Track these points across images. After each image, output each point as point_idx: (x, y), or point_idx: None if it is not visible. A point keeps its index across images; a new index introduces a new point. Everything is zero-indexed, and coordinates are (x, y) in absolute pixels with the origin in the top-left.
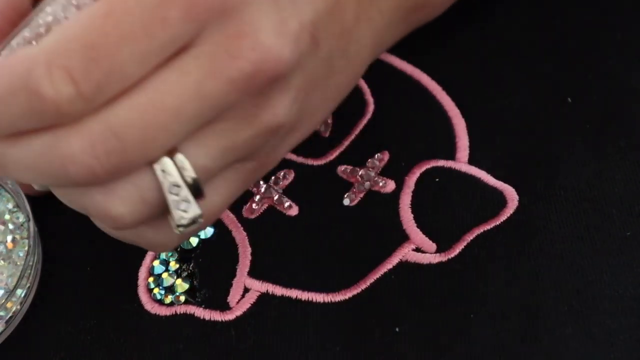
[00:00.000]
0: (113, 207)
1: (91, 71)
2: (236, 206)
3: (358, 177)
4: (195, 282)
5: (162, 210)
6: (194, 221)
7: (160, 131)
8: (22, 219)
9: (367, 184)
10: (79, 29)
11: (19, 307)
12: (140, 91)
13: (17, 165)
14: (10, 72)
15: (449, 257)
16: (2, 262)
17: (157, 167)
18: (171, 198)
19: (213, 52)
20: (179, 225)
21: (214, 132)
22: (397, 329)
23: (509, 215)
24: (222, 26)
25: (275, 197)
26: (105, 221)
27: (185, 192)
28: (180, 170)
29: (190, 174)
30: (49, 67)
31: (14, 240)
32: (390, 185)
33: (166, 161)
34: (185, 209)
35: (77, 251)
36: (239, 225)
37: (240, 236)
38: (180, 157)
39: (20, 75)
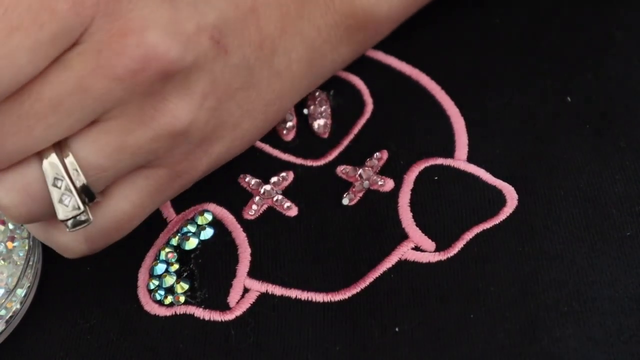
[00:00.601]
0: (2, 196)
1: None
2: (236, 207)
3: (357, 176)
4: (195, 282)
5: (50, 207)
6: (78, 218)
7: (37, 121)
8: None
9: (366, 183)
10: None
11: (19, 306)
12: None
13: None
14: None
15: (448, 256)
16: (2, 262)
17: (44, 161)
18: (54, 191)
19: (98, 49)
20: (63, 221)
21: (104, 129)
22: (396, 329)
23: (508, 214)
24: (109, 23)
25: (275, 198)
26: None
27: (69, 186)
28: (67, 165)
29: (78, 169)
30: None
31: (14, 240)
32: (389, 184)
33: (52, 155)
34: (68, 204)
35: None
36: (239, 226)
37: (240, 237)
38: (66, 151)
39: None
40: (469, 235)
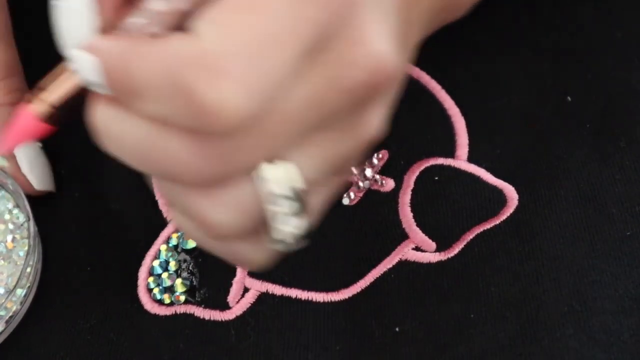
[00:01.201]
0: (211, 213)
1: (254, 75)
2: None
3: (357, 176)
4: (195, 281)
5: (261, 224)
6: (296, 236)
7: (273, 137)
8: (22, 219)
9: (367, 183)
10: (232, 24)
11: (19, 306)
12: None
13: (113, 139)
14: (164, 63)
15: (449, 256)
16: (2, 261)
17: (261, 175)
18: (271, 207)
19: (332, 59)
20: (280, 240)
21: (318, 142)
22: (397, 329)
23: (508, 214)
24: (341, 31)
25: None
26: (204, 228)
27: (291, 204)
28: (287, 180)
29: (294, 183)
30: (209, 70)
31: (14, 240)
32: (390, 184)
33: (271, 169)
34: (286, 222)
35: (77, 251)
36: None
37: None
38: (284, 165)
39: (173, 71)
40: (469, 236)
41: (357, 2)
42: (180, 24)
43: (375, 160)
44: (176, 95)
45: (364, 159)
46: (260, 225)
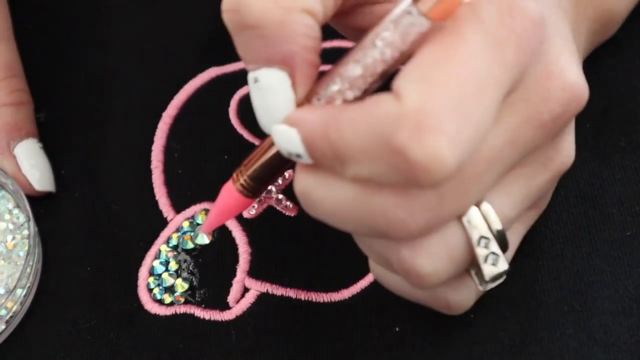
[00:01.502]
0: (420, 264)
1: (463, 128)
2: None
3: None
4: (195, 282)
5: (464, 268)
6: (500, 276)
7: (474, 182)
8: (22, 219)
9: None
10: (436, 79)
11: (19, 306)
12: None
13: (321, 204)
14: (371, 127)
15: None
16: (2, 262)
17: (465, 220)
18: (480, 250)
19: (527, 97)
20: (487, 281)
21: (517, 178)
22: (397, 329)
23: None
24: (534, 67)
25: (275, 197)
26: (409, 278)
27: (494, 245)
28: (487, 221)
29: (497, 225)
30: (419, 129)
31: (14, 240)
32: None
33: (474, 213)
34: (494, 262)
35: (77, 251)
36: (239, 225)
37: (240, 236)
38: (486, 207)
39: (382, 133)
40: None
41: (547, 36)
42: (373, 87)
43: None
44: (386, 155)
45: None
46: (463, 269)
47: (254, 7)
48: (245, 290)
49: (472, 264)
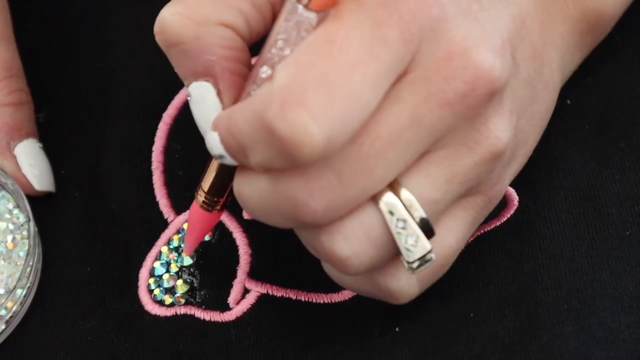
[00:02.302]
0: (338, 248)
1: (329, 103)
2: (236, 208)
3: None
4: (195, 283)
5: (391, 252)
6: (424, 258)
7: (377, 161)
8: (22, 219)
9: None
10: (305, 60)
11: (18, 307)
12: None
13: (248, 200)
14: (252, 110)
15: None
16: (2, 262)
17: (381, 202)
18: (398, 233)
19: (426, 75)
20: (408, 263)
21: (435, 160)
22: (397, 329)
23: (509, 215)
24: (433, 47)
25: None
26: (334, 264)
27: (412, 226)
28: (405, 203)
29: (416, 206)
30: (283, 105)
31: (14, 240)
32: None
33: (389, 195)
34: (414, 244)
35: (77, 251)
36: (239, 226)
37: (241, 237)
38: (403, 190)
39: (257, 113)
40: (470, 237)
41: (445, 18)
42: None
43: None
44: (264, 136)
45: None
46: (390, 253)
47: (172, 25)
48: (246, 291)
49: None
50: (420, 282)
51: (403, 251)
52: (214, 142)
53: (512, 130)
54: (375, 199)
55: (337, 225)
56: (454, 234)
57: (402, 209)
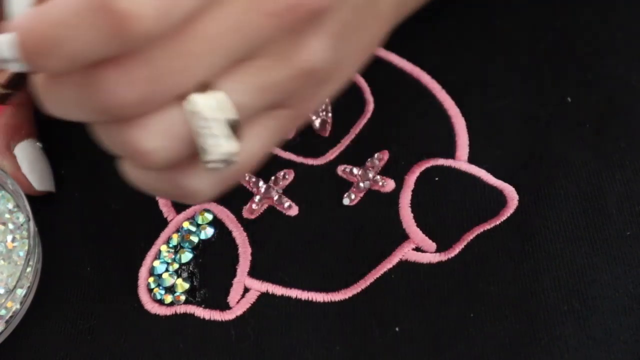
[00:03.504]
0: (144, 140)
1: None
2: (236, 206)
3: (358, 176)
4: (195, 282)
5: (193, 150)
6: (225, 160)
7: (193, 60)
8: (22, 219)
9: (367, 183)
10: None
11: (18, 306)
12: None
13: (57, 101)
14: None
15: (449, 256)
16: (2, 261)
17: (191, 100)
18: (203, 131)
19: None
20: (206, 162)
21: (250, 69)
22: (397, 329)
23: (509, 214)
24: None
25: (275, 197)
26: (136, 158)
27: (215, 126)
28: (213, 104)
29: (224, 108)
30: None
31: (14, 240)
32: (390, 185)
33: (197, 95)
34: (215, 143)
35: (77, 251)
36: (239, 225)
37: (241, 236)
38: (215, 91)
39: None
40: (469, 236)
41: None
42: None
43: (376, 161)
44: (92, 16)
45: (316, 99)
46: (195, 154)
47: None
48: (246, 290)
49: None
50: (219, 184)
51: (204, 149)
52: (4, 44)
53: (332, 52)
54: (184, 96)
55: (144, 119)
56: (259, 141)
57: (207, 109)
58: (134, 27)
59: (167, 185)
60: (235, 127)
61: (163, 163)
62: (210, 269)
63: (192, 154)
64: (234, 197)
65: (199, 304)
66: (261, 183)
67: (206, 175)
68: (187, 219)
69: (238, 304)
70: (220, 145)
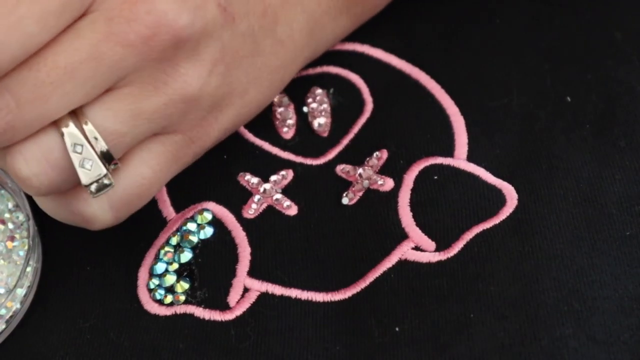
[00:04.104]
0: (19, 168)
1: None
2: (236, 206)
3: (357, 176)
4: (195, 282)
5: (75, 177)
6: (101, 182)
7: (54, 89)
8: (22, 218)
9: (366, 182)
10: None
11: (19, 306)
12: (36, 53)
13: None
14: None
15: (448, 255)
16: (2, 261)
17: (62, 128)
18: (75, 157)
19: (109, 16)
20: (86, 185)
21: (120, 96)
22: (397, 329)
23: (508, 214)
24: None
25: (275, 197)
26: (18, 184)
27: (89, 151)
28: (86, 131)
29: (96, 134)
30: None
31: (14, 239)
32: (389, 184)
33: (69, 122)
34: (90, 167)
35: (77, 251)
36: (239, 225)
37: (240, 236)
38: (85, 119)
39: None
40: (469, 235)
41: None
42: None
43: (374, 160)
44: None
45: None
46: (71, 177)
47: None
48: (245, 290)
49: None
50: (114, 209)
51: (80, 173)
52: None
53: (215, 78)
54: (57, 125)
55: (18, 146)
56: (148, 166)
57: (80, 135)
58: None
59: (65, 210)
60: (105, 149)
61: (44, 189)
62: (209, 269)
63: (75, 180)
64: (234, 197)
65: (198, 304)
66: (260, 183)
67: (97, 201)
68: (187, 219)
69: (238, 304)
70: (95, 167)
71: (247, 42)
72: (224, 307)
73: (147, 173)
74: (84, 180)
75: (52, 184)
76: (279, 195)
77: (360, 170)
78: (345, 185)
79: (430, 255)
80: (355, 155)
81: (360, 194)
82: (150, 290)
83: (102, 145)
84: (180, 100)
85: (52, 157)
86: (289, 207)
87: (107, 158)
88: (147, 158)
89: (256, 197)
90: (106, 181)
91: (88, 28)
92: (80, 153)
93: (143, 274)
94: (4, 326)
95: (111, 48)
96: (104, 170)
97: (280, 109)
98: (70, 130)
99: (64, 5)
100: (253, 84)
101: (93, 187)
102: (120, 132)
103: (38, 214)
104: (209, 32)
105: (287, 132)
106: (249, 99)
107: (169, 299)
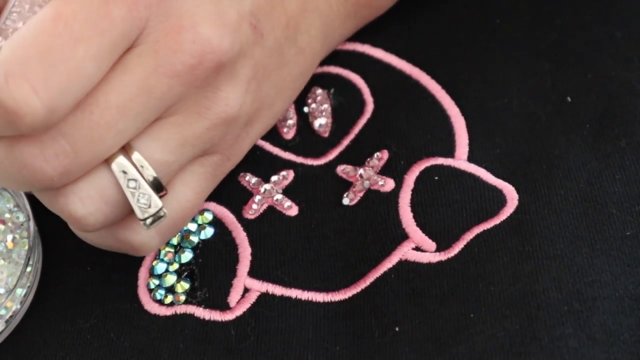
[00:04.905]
0: (74, 208)
1: (50, 76)
2: (236, 206)
3: (357, 176)
4: (195, 282)
5: (127, 209)
6: (157, 214)
7: (108, 129)
8: (22, 218)
9: (367, 182)
10: (31, 34)
11: (18, 306)
12: (88, 94)
13: None
14: None
15: (449, 256)
16: (2, 261)
17: (113, 165)
18: (130, 193)
19: (155, 49)
20: (142, 220)
21: (166, 126)
22: (397, 329)
23: (508, 214)
24: (163, 23)
25: (275, 197)
26: (73, 224)
27: (143, 186)
28: (136, 165)
29: (147, 166)
30: (6, 77)
31: (14, 239)
32: (390, 184)
33: (121, 158)
34: (146, 202)
35: (77, 251)
36: (239, 225)
37: (240, 236)
38: (135, 152)
39: None
40: (469, 236)
41: None
42: None
43: (375, 161)
44: None
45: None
46: (126, 210)
47: None
48: (246, 290)
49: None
50: (160, 235)
51: (136, 209)
52: None
53: (250, 96)
54: (108, 161)
55: (72, 187)
56: (191, 189)
57: (133, 170)
58: (26, 121)
59: (112, 241)
60: (158, 181)
61: (99, 226)
62: (210, 269)
63: (127, 212)
64: (234, 197)
65: (199, 304)
66: (261, 183)
67: (145, 229)
68: None
69: (238, 304)
70: (152, 202)
71: (274, 55)
72: (224, 307)
73: (191, 196)
74: (140, 215)
75: (107, 220)
76: (279, 196)
77: (360, 171)
78: (346, 185)
79: (430, 255)
80: (356, 155)
81: (361, 194)
82: (151, 291)
83: (152, 177)
84: (222, 122)
85: (106, 193)
86: (289, 207)
87: (157, 188)
88: (189, 181)
89: (257, 198)
90: (161, 214)
91: (136, 62)
92: (135, 188)
93: (143, 274)
94: (4, 326)
95: (160, 80)
96: (159, 204)
97: None
98: (121, 165)
99: (116, 43)
100: (280, 95)
101: (148, 221)
102: (168, 161)
103: (38, 214)
104: (244, 52)
105: (288, 133)
106: (276, 109)
107: (169, 299)
